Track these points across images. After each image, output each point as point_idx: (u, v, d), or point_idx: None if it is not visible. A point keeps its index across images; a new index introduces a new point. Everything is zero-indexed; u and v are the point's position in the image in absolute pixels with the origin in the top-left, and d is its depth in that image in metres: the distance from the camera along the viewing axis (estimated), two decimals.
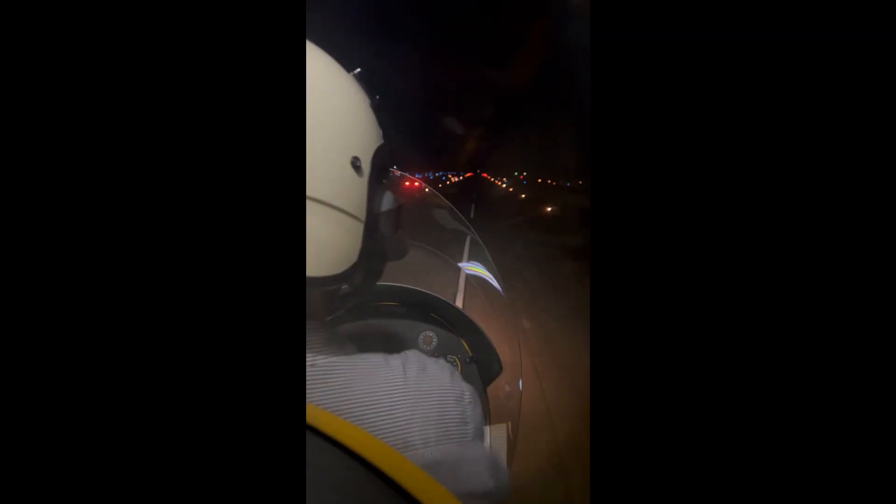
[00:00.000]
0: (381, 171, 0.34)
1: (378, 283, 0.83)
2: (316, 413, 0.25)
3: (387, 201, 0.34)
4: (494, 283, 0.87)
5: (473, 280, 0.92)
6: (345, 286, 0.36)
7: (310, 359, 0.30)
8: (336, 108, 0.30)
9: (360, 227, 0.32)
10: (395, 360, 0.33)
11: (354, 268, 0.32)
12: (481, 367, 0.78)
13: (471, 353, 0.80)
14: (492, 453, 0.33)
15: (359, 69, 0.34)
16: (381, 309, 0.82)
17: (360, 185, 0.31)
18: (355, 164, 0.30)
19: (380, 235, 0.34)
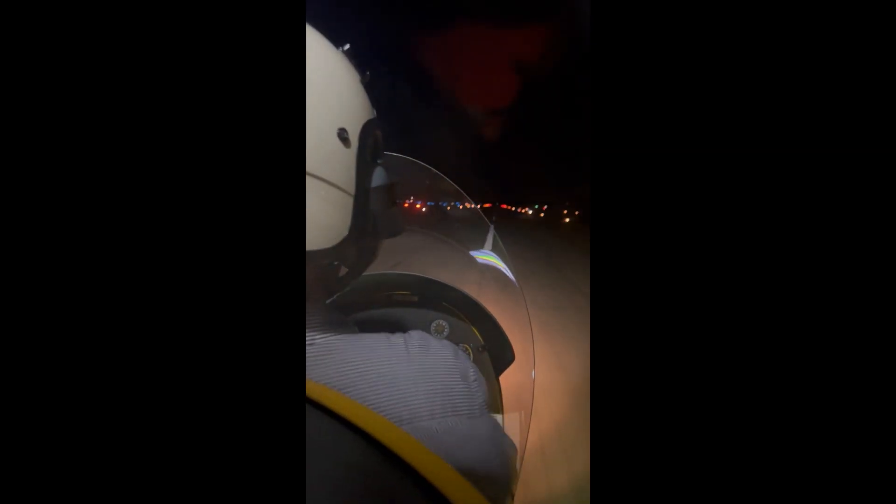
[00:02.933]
0: (373, 148, 0.34)
1: (390, 273, 0.84)
2: (315, 388, 0.25)
3: (378, 177, 0.34)
4: (508, 273, 0.86)
5: (487, 269, 0.91)
6: (337, 263, 0.36)
7: (309, 337, 0.30)
8: (320, 81, 0.30)
9: (349, 200, 0.32)
10: (397, 338, 0.33)
11: (345, 243, 0.32)
12: (493, 356, 0.77)
13: (483, 342, 0.79)
14: (501, 431, 0.33)
15: (347, 45, 0.34)
16: (393, 298, 0.83)
17: (347, 156, 0.31)
18: (342, 135, 0.30)
19: (371, 211, 0.34)
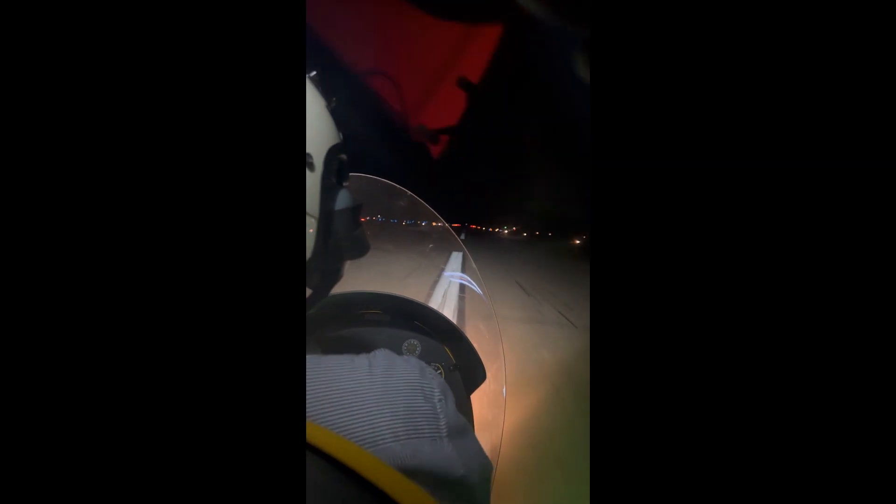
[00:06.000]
0: (338, 170, 0.35)
1: (361, 291, 0.83)
2: None
3: (342, 199, 0.35)
4: (477, 289, 0.87)
5: (457, 286, 0.92)
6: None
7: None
8: None
9: (312, 222, 0.32)
10: (361, 358, 0.33)
11: (309, 265, 0.32)
12: (465, 375, 0.78)
13: (455, 361, 0.79)
14: (470, 451, 0.33)
15: (314, 72, 0.35)
16: (364, 318, 0.82)
17: (311, 180, 0.32)
18: (306, 160, 0.31)
19: (336, 233, 0.34)
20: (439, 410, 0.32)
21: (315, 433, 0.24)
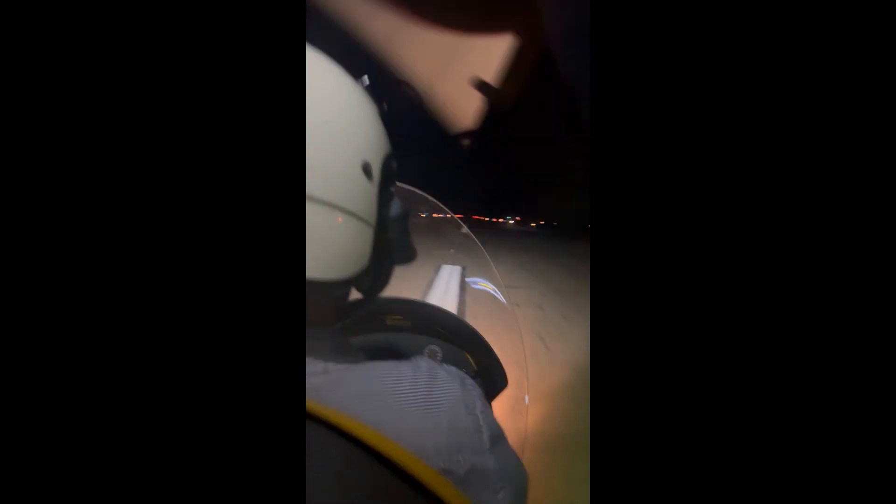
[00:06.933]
0: (389, 178, 0.35)
1: (381, 297, 0.83)
2: (332, 415, 0.25)
3: (395, 207, 0.35)
4: (499, 295, 0.87)
5: (478, 292, 0.92)
6: (354, 290, 0.36)
7: (322, 365, 0.30)
8: (345, 114, 0.30)
9: (371, 231, 0.32)
10: (405, 367, 0.33)
11: (365, 272, 0.32)
12: (486, 382, 0.77)
13: (476, 368, 0.78)
14: (509, 465, 0.33)
15: (367, 81, 0.35)
16: (385, 323, 0.81)
17: (370, 189, 0.31)
18: (366, 169, 0.31)
19: (389, 240, 0.34)
20: (482, 423, 0.32)
21: (364, 433, 0.24)
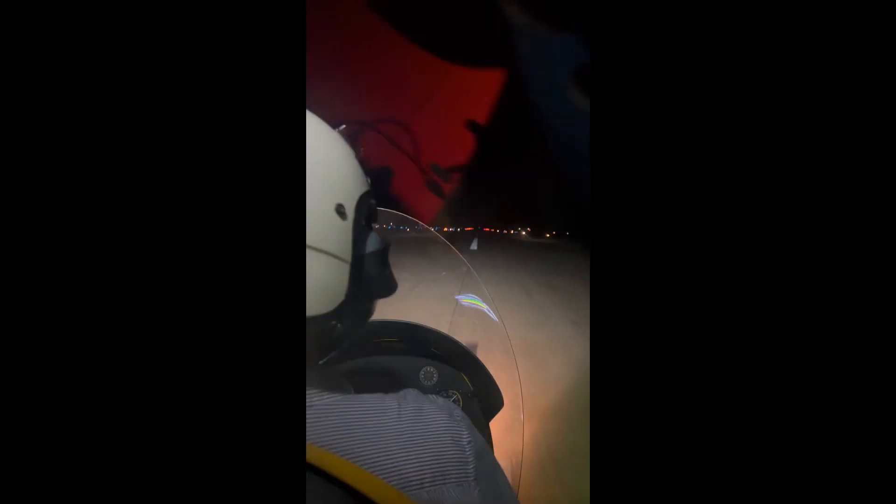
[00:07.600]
0: (368, 216, 0.37)
1: (377, 320, 0.84)
2: (317, 452, 0.26)
3: (372, 242, 0.37)
4: (491, 314, 0.88)
5: (470, 312, 0.93)
6: (335, 325, 0.38)
7: (308, 398, 0.31)
8: (320, 161, 0.33)
9: (346, 267, 0.34)
10: (391, 400, 0.34)
11: (342, 307, 0.34)
12: (483, 402, 0.78)
13: (472, 388, 0.79)
14: (496, 495, 0.33)
15: (343, 125, 0.37)
16: (381, 345, 0.82)
17: (344, 229, 0.33)
18: (339, 210, 0.33)
19: (366, 275, 0.36)
20: (468, 454, 0.32)
21: (354, 473, 0.25)
